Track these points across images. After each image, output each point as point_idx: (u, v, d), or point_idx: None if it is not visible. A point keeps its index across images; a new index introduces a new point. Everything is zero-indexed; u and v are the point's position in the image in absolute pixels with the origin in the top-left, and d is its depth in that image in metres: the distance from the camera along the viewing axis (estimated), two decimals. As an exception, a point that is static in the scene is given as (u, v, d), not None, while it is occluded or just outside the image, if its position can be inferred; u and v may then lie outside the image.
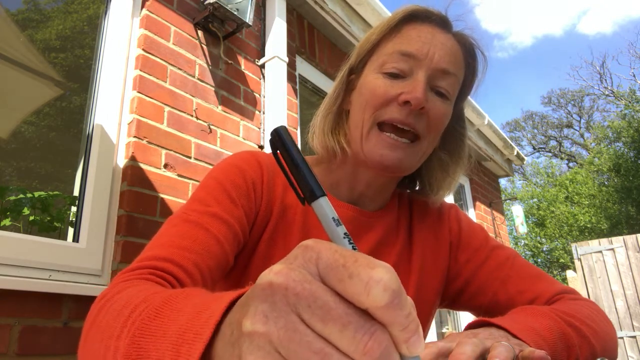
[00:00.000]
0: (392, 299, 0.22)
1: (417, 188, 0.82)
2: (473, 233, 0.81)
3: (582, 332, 0.61)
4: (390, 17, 0.73)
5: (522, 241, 16.29)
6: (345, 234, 0.28)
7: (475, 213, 4.44)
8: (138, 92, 1.66)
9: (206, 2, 1.90)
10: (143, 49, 1.72)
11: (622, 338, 5.37)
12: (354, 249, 0.27)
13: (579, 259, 5.88)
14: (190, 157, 1.78)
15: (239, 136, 2.03)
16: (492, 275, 0.76)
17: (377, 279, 0.22)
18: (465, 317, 3.79)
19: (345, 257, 0.23)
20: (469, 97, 0.81)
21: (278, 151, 0.33)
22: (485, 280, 0.76)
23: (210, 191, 0.66)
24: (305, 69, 2.62)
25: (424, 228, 0.80)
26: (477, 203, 4.49)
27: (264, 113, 2.20)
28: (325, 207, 0.29)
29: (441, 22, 0.73)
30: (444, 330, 3.99)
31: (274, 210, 0.70)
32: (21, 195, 1.64)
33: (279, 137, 0.32)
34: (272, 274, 0.23)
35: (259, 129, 2.16)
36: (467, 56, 0.74)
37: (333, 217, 0.29)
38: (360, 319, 0.22)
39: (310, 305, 0.22)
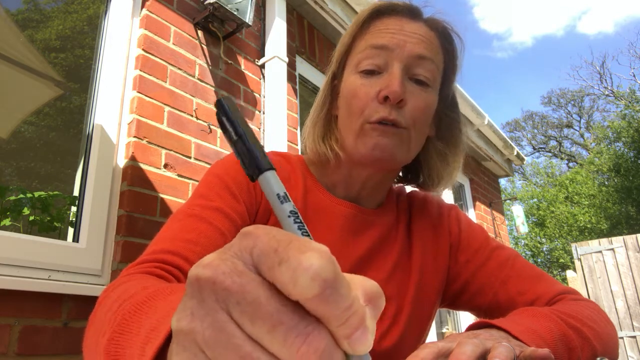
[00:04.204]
0: (322, 290, 0.19)
1: (420, 181, 0.81)
2: (473, 233, 0.81)
3: (583, 334, 0.61)
4: (358, 16, 0.74)
5: (522, 241, 16.29)
6: (291, 212, 0.25)
7: (475, 213, 4.44)
8: (138, 92, 1.66)
9: (206, 2, 1.90)
10: (143, 49, 1.72)
11: (622, 338, 5.37)
12: (301, 229, 0.24)
13: (579, 259, 5.88)
14: (190, 157, 1.78)
15: (239, 136, 2.03)
16: (492, 275, 0.76)
17: (305, 266, 0.19)
18: (465, 317, 3.79)
19: (280, 240, 0.20)
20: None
21: (225, 123, 0.29)
22: (486, 280, 0.76)
23: (212, 187, 0.66)
24: (305, 69, 2.62)
25: (424, 228, 0.80)
26: (477, 203, 4.49)
27: (263, 113, 2.20)
28: (271, 181, 0.26)
29: (409, 12, 0.72)
30: (444, 330, 3.99)
31: None
32: (21, 195, 1.64)
33: (222, 108, 0.29)
34: (200, 267, 0.21)
35: (259, 129, 2.16)
36: (443, 41, 0.73)
37: (278, 194, 0.25)
38: (294, 317, 0.19)
39: (240, 301, 0.19)
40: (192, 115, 1.83)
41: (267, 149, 2.08)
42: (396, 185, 0.85)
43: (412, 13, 0.72)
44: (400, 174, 0.83)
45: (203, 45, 1.98)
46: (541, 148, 23.02)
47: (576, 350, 0.58)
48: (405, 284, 0.74)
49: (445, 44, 0.73)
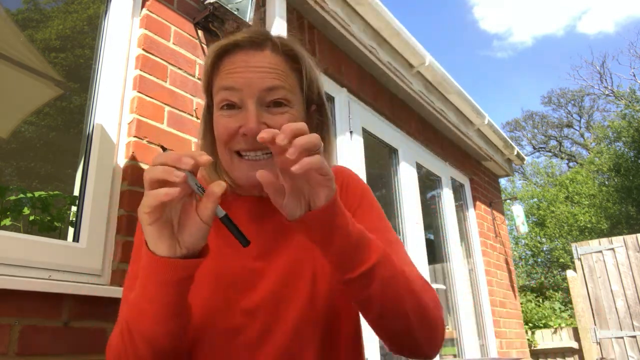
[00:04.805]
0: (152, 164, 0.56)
1: None
2: (373, 214, 0.83)
3: (394, 272, 0.65)
4: (207, 57, 0.79)
5: (522, 241, 16.27)
6: (225, 214, 0.59)
7: (475, 213, 4.44)
8: (138, 92, 1.66)
9: (206, 2, 1.90)
10: (143, 49, 1.72)
11: (622, 338, 5.37)
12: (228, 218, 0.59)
13: (579, 259, 5.87)
14: (190, 157, 1.78)
15: (239, 136, 2.03)
16: None
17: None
18: (466, 318, 3.79)
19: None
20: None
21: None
22: None
23: (138, 250, 0.77)
24: (305, 68, 2.61)
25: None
26: (477, 203, 4.49)
27: (264, 113, 2.20)
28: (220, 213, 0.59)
29: (252, 44, 0.76)
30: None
31: None
32: (21, 195, 1.64)
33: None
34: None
35: (259, 128, 2.16)
36: (290, 61, 0.78)
37: (223, 214, 0.59)
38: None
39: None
40: (192, 115, 1.83)
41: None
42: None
43: (255, 45, 0.76)
44: None
45: (203, 45, 1.97)
46: (541, 148, 23.01)
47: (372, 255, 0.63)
48: (320, 258, 0.76)
49: (292, 63, 0.78)
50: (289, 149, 0.53)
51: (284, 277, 0.75)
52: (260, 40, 0.76)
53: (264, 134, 0.54)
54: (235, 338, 0.72)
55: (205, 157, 0.55)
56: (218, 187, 0.57)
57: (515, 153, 4.99)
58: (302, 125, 0.55)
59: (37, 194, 1.66)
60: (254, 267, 0.75)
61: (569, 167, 21.29)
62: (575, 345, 6.26)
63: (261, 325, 0.72)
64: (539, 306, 8.87)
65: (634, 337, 5.32)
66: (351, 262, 0.62)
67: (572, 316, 8.17)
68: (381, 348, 2.68)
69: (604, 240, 5.88)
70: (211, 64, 0.78)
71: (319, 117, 0.85)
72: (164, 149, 0.58)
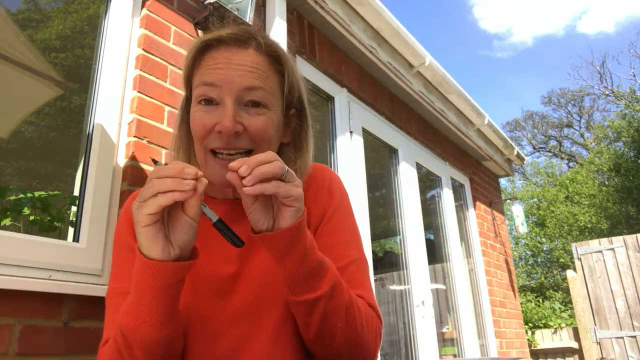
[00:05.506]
0: (149, 178, 0.59)
1: None
2: (344, 227, 0.82)
3: (342, 299, 0.67)
4: (189, 51, 0.77)
5: (522, 241, 16.26)
6: (218, 219, 0.63)
7: (475, 213, 4.44)
8: (138, 92, 1.66)
9: (206, 2, 1.90)
10: (143, 49, 1.72)
11: (622, 338, 5.37)
12: (221, 221, 0.63)
13: (579, 259, 5.87)
14: (190, 157, 1.78)
15: (239, 136, 2.03)
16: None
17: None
18: (466, 318, 3.79)
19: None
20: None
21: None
22: None
23: (119, 254, 0.82)
24: (305, 68, 2.62)
25: (311, 206, 0.81)
26: (477, 203, 4.49)
27: (264, 113, 2.19)
28: (207, 213, 0.63)
29: (236, 41, 0.75)
30: (444, 330, 3.99)
31: None
32: (21, 195, 1.64)
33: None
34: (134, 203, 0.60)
35: (259, 128, 2.15)
36: (273, 62, 0.77)
37: (216, 219, 0.63)
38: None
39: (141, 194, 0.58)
40: (192, 115, 1.83)
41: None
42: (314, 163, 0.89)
43: (240, 42, 0.75)
44: None
45: (203, 45, 1.97)
46: (541, 148, 23.01)
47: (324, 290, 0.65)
48: None
49: (275, 65, 0.77)
50: (247, 177, 0.59)
51: (261, 282, 0.74)
52: (245, 38, 0.75)
53: (235, 164, 0.60)
54: (216, 345, 0.71)
55: (201, 172, 0.61)
56: (200, 184, 0.59)
57: (515, 153, 4.99)
58: (268, 156, 0.60)
59: (37, 194, 1.66)
60: (230, 272, 0.75)
61: (569, 167, 21.30)
62: (575, 345, 6.26)
63: (242, 332, 0.71)
64: (539, 306, 8.88)
65: (634, 337, 5.32)
66: (299, 287, 0.65)
67: (572, 316, 8.17)
68: (381, 349, 2.68)
69: (604, 240, 5.88)
70: (192, 57, 0.77)
71: (297, 121, 0.84)
72: (156, 162, 0.62)
